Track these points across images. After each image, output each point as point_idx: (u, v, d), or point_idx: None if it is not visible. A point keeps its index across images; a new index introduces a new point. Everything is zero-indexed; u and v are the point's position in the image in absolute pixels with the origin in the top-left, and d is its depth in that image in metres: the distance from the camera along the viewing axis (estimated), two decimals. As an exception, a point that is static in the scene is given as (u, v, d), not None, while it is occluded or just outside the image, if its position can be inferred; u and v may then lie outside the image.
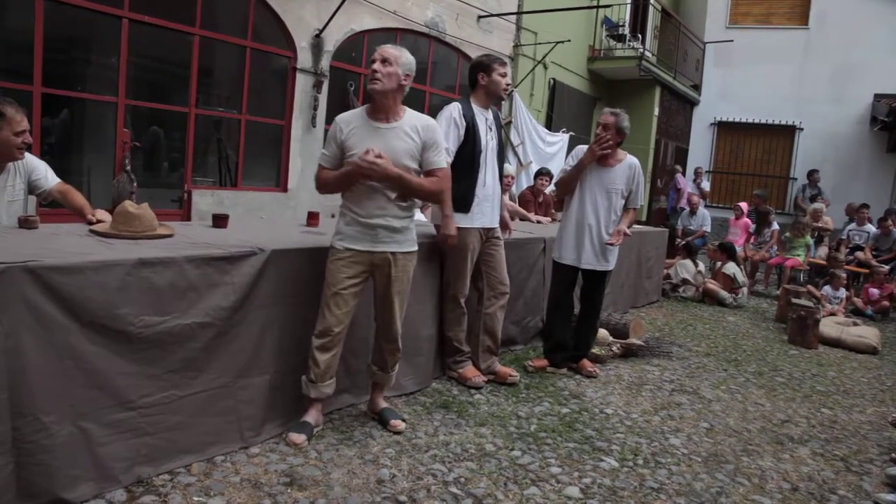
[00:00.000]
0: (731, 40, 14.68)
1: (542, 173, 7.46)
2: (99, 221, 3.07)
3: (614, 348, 4.96)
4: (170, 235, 2.97)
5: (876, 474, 3.29)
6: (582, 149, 4.40)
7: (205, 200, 6.39)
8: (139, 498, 2.40)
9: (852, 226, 10.16)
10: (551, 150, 10.76)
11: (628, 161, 4.36)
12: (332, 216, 4.36)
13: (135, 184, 5.21)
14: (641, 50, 12.72)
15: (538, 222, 6.44)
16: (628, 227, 4.32)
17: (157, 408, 2.55)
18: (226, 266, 2.74)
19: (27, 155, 3.20)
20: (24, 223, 2.89)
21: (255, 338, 2.87)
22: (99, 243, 2.69)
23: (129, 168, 5.23)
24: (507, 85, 3.86)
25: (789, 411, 4.15)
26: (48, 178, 3.25)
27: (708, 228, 10.39)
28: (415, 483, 2.72)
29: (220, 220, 3.47)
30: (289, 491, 2.55)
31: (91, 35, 5.91)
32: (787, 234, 9.62)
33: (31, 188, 3.24)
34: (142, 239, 2.83)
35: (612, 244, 4.24)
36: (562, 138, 11.12)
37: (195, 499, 2.44)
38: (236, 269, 2.77)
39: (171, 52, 6.42)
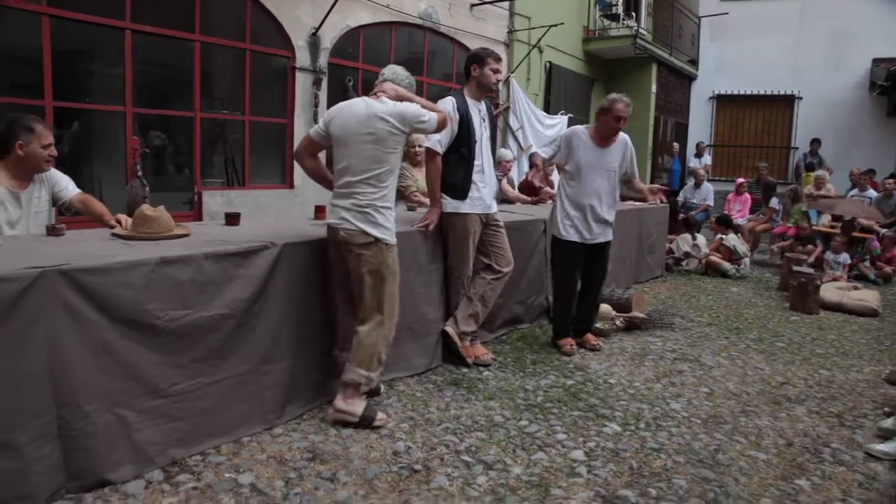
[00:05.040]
0: (727, 13, 14.71)
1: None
2: (120, 225, 3.26)
3: (617, 322, 5.12)
4: (186, 235, 3.15)
5: (868, 427, 3.44)
6: (573, 132, 4.52)
7: (215, 201, 6.59)
8: (175, 477, 2.60)
9: (854, 191, 10.25)
10: (550, 133, 10.86)
11: (621, 138, 4.53)
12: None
13: (147, 188, 5.38)
14: (636, 28, 12.79)
15: (536, 202, 6.59)
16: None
17: (186, 395, 2.74)
18: (241, 261, 2.92)
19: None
20: (52, 231, 3.09)
21: (274, 327, 3.06)
22: (122, 245, 2.88)
23: (140, 174, 5.40)
24: (498, 80, 4.04)
25: (788, 374, 4.30)
26: (69, 189, 3.45)
27: (711, 203, 10.51)
28: (429, 453, 2.91)
29: (232, 219, 3.65)
30: (312, 465, 2.75)
31: (96, 47, 6.10)
32: (785, 200, 9.76)
33: (54, 199, 3.44)
34: (160, 239, 3.02)
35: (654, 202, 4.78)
36: (560, 120, 11.25)
37: (226, 475, 2.63)
38: (251, 262, 2.95)
39: (174, 59, 6.60)
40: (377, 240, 3.10)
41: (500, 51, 10.22)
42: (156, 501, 2.43)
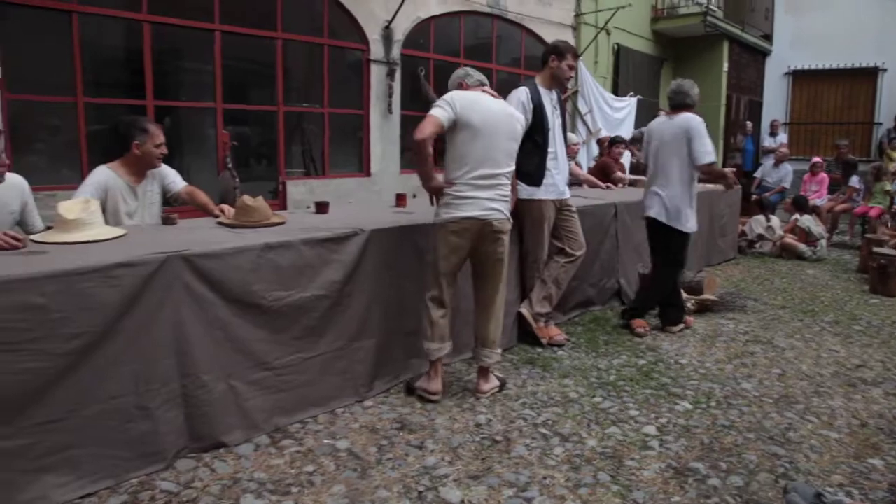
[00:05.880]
0: (803, -17, 14.18)
1: (618, 141, 7.61)
2: (224, 214, 3.58)
3: (689, 304, 5.17)
4: (282, 223, 3.43)
5: (949, 410, 3.44)
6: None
7: (298, 190, 6.97)
8: (279, 442, 2.90)
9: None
10: (619, 116, 10.85)
11: None
12: (414, 196, 4.77)
13: (237, 179, 5.78)
14: (706, 5, 12.51)
15: (608, 187, 6.67)
16: None
17: (288, 368, 3.03)
18: (334, 246, 3.18)
19: None
20: (167, 221, 3.44)
21: (363, 307, 3.32)
22: (229, 233, 3.18)
23: (230, 165, 5.80)
24: (570, 77, 4.21)
25: (864, 356, 4.28)
26: (177, 182, 3.81)
27: (787, 185, 10.24)
28: (508, 426, 3.12)
29: (322, 207, 3.94)
30: (401, 434, 3.00)
31: (189, 49, 6.54)
32: (868, 177, 9.44)
33: (164, 191, 3.80)
34: (260, 227, 3.31)
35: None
36: (629, 102, 11.17)
37: (324, 441, 2.91)
38: (343, 247, 3.21)
39: (259, 57, 7.01)
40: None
41: (568, 35, 10.24)
42: (265, 462, 2.72)
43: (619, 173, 7.01)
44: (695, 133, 4.44)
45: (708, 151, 4.45)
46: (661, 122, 4.73)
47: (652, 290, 4.76)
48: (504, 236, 3.39)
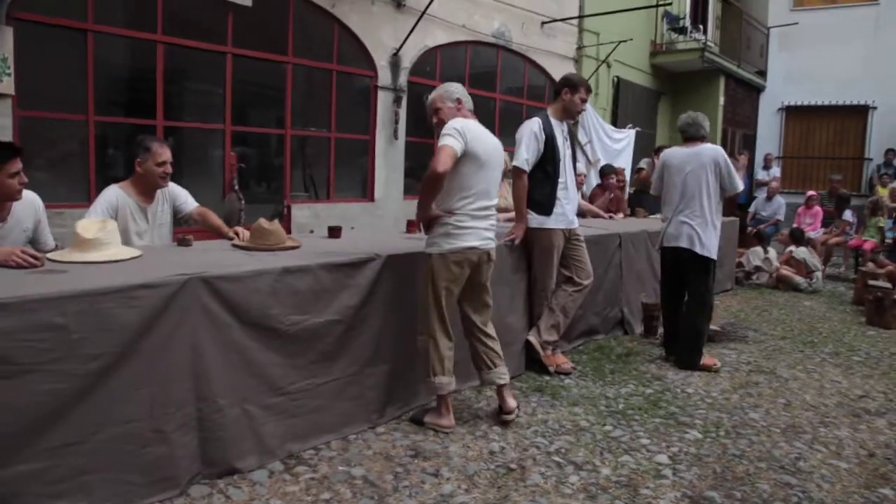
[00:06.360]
0: (797, 23, 14.48)
1: (607, 172, 7.64)
2: (238, 237, 3.59)
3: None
4: (297, 247, 3.45)
5: (953, 442, 3.47)
6: None
7: (302, 213, 6.98)
8: (293, 468, 2.87)
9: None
10: (618, 147, 10.98)
11: None
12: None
13: (243, 202, 5.80)
14: (704, 41, 12.76)
15: (610, 218, 6.72)
16: None
17: (302, 393, 3.01)
18: (351, 271, 3.19)
19: (170, 184, 3.75)
20: (182, 242, 3.43)
21: (377, 332, 3.32)
22: (245, 255, 3.19)
23: (237, 188, 5.82)
24: (581, 111, 4.32)
25: (866, 387, 4.32)
26: (188, 203, 3.81)
27: (781, 217, 10.40)
28: (522, 453, 3.12)
29: (334, 232, 3.95)
30: (416, 461, 2.99)
31: (201, 71, 6.58)
32: (864, 211, 9.59)
33: (175, 212, 3.79)
34: (276, 251, 3.32)
35: None
36: (628, 134, 11.32)
37: (339, 468, 2.89)
38: (360, 272, 3.22)
39: (268, 80, 7.06)
40: None
41: (570, 66, 10.40)
42: (280, 489, 2.70)
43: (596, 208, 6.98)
44: (726, 163, 4.56)
45: (740, 180, 4.63)
46: (680, 153, 4.68)
47: (699, 319, 4.59)
48: (492, 263, 3.47)
